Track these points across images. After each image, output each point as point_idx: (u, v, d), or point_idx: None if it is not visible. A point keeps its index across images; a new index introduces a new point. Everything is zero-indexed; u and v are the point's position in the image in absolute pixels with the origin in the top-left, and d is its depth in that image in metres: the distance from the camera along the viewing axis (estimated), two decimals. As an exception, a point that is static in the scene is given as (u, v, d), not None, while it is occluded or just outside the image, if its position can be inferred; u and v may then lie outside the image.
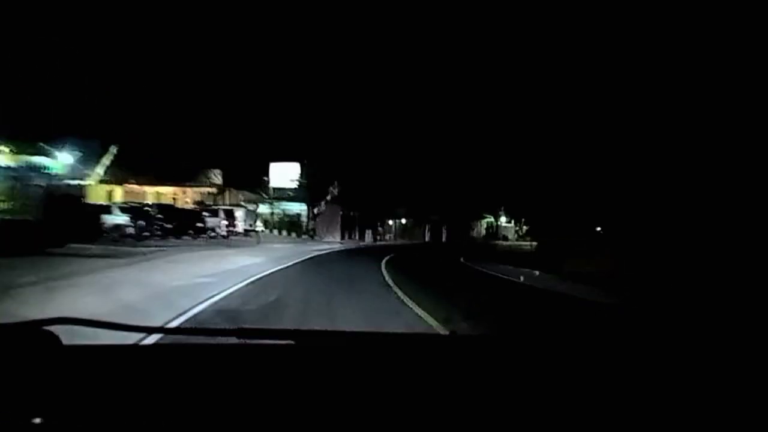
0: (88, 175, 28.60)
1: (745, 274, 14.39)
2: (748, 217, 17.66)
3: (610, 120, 25.25)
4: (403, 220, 62.05)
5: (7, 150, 20.79)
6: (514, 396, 1.16)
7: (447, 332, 6.27)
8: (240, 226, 33.83)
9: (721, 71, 19.74)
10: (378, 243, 49.22)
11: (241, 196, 43.17)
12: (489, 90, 48.88)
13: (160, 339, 4.34)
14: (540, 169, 37.35)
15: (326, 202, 44.80)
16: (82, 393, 1.06)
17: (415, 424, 1.00)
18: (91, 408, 0.99)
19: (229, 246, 24.94)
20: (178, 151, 35.15)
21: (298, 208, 45.28)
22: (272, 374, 1.26)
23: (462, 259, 27.17)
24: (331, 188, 44.49)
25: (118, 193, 33.96)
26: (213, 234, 29.79)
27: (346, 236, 47.85)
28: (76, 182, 24.06)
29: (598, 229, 31.30)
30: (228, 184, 42.05)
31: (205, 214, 30.50)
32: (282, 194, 44.74)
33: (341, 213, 47.09)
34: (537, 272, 18.88)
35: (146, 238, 23.65)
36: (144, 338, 4.42)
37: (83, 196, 22.78)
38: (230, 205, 38.62)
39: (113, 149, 28.99)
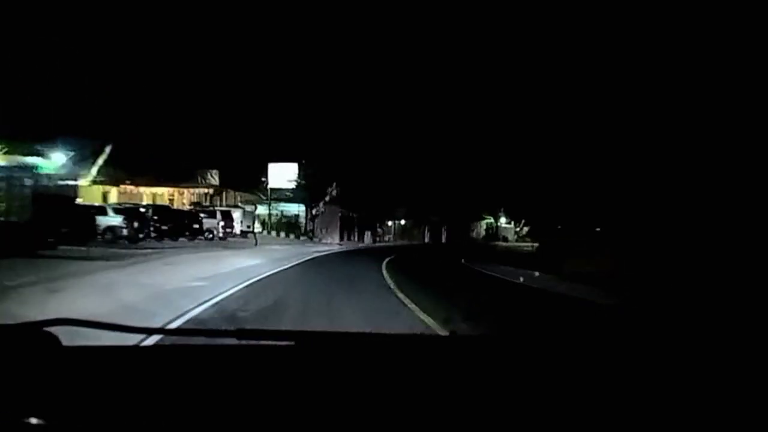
0: (83, 176, 28.13)
1: (745, 274, 14.35)
2: (747, 217, 17.56)
3: (610, 120, 25.09)
4: (403, 221, 61.77)
5: (-2, 149, 20.36)
6: (514, 396, 1.16)
7: (447, 333, 6.25)
8: (237, 227, 33.41)
9: (721, 71, 19.65)
10: (377, 244, 48.88)
11: (238, 197, 42.76)
12: (489, 90, 48.68)
13: (160, 340, 4.37)
14: (540, 169, 37.31)
15: (325, 203, 44.32)
16: (82, 394, 1.05)
17: (416, 425, 0.99)
18: (91, 409, 0.99)
19: (226, 248, 24.55)
20: (174, 152, 34.69)
21: (297, 209, 44.85)
22: (272, 375, 1.25)
23: (463, 260, 27.01)
24: (329, 189, 44.01)
25: (114, 194, 33.45)
26: (210, 236, 29.42)
27: (345, 237, 47.49)
28: (68, 182, 23.57)
29: (598, 229, 31.03)
30: (225, 184, 41.53)
31: (201, 215, 30.04)
32: (280, 195, 44.29)
33: (340, 214, 46.66)
34: (537, 273, 18.90)
35: (141, 239, 23.26)
36: (144, 339, 4.45)
37: (76, 197, 22.33)
38: (227, 206, 38.26)
39: (107, 149, 28.53)
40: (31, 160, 21.52)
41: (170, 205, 33.70)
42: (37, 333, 1.19)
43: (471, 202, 63.23)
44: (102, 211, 23.04)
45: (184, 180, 39.02)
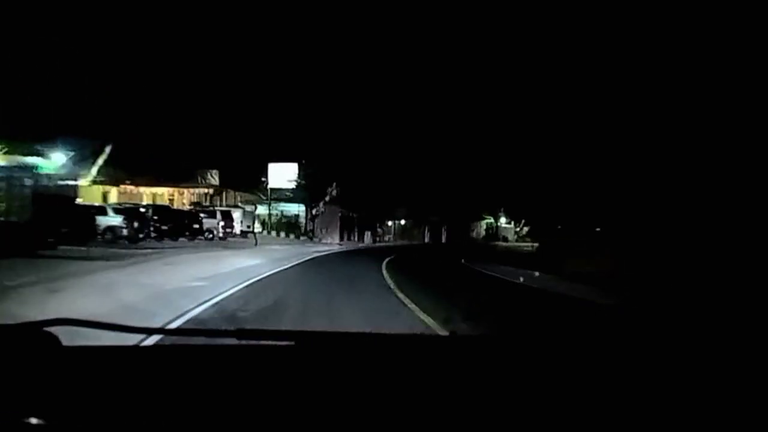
0: (83, 176, 28.11)
1: (744, 274, 14.37)
2: (747, 217, 17.57)
3: (610, 120, 25.08)
4: (403, 221, 61.70)
5: (-2, 149, 20.34)
6: (514, 396, 1.16)
7: (446, 333, 6.34)
8: (237, 227, 33.36)
9: (720, 71, 19.65)
10: (377, 244, 48.82)
11: (238, 197, 42.71)
12: (489, 90, 48.63)
13: (160, 340, 4.36)
14: (540, 169, 37.24)
15: (325, 203, 44.28)
16: (82, 394, 1.05)
17: (416, 425, 0.99)
18: (92, 409, 0.98)
19: (226, 248, 24.52)
20: (174, 152, 34.64)
21: (297, 209, 44.77)
22: (272, 375, 1.25)
23: (463, 260, 26.94)
24: (329, 189, 43.96)
25: (114, 194, 33.42)
26: (210, 236, 29.38)
27: (345, 237, 47.44)
28: (68, 182, 23.55)
29: (598, 229, 31.06)
30: (225, 184, 41.50)
31: (201, 215, 29.99)
32: (280, 195, 44.22)
33: (340, 214, 46.62)
34: (537, 273, 18.91)
35: (141, 239, 23.21)
36: (144, 339, 4.45)
37: (76, 197, 22.30)
38: (227, 206, 38.20)
39: (107, 149, 28.51)
40: (31, 160, 21.50)
41: (170, 205, 33.65)
42: (37, 333, 1.19)
43: (471, 202, 63.09)
44: (102, 211, 23.01)
45: (184, 180, 39.01)
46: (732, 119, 19.19)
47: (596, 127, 26.24)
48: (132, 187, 35.74)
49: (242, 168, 39.57)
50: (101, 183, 31.39)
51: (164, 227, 25.49)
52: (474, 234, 73.78)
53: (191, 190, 40.37)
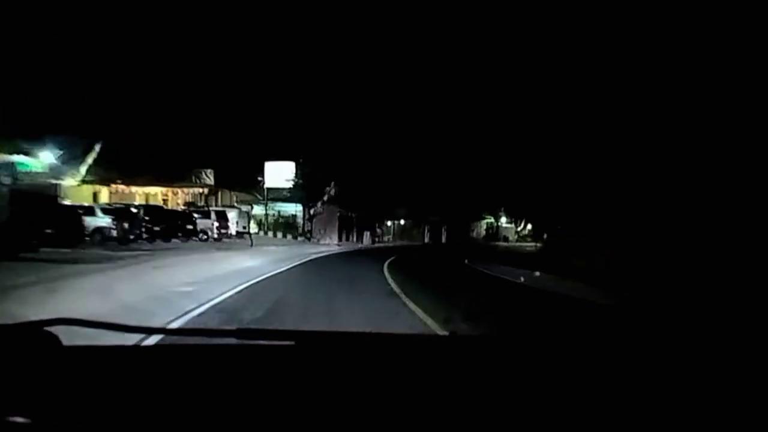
0: (72, 175, 27.23)
1: (744, 274, 14.46)
2: (747, 217, 17.48)
3: (610, 119, 24.89)
4: (402, 221, 61.00)
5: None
6: (514, 396, 1.16)
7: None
8: (233, 228, 32.52)
9: (720, 71, 19.50)
10: (376, 245, 48.03)
11: (234, 197, 41.82)
12: (488, 90, 48.01)
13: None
14: (541, 168, 37.04)
15: (323, 203, 43.28)
16: (82, 394, 1.06)
17: (416, 425, 1.00)
18: (92, 409, 0.99)
19: (219, 249, 23.64)
20: (168, 151, 33.67)
21: (294, 208, 43.89)
22: (272, 375, 1.25)
23: (466, 261, 26.56)
24: (327, 188, 42.92)
25: (104, 194, 32.47)
26: (204, 237, 28.58)
27: (344, 238, 46.60)
28: (50, 181, 22.67)
29: (598, 229, 30.77)
30: (220, 184, 40.45)
31: (195, 215, 29.13)
32: (277, 194, 43.32)
33: (338, 214, 45.70)
34: (537, 273, 18.95)
35: (132, 241, 22.41)
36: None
37: (58, 196, 21.45)
38: (223, 206, 37.40)
39: (97, 147, 27.62)
40: (12, 157, 20.65)
41: (163, 206, 32.76)
42: (37, 333, 1.19)
43: (471, 201, 62.80)
44: (90, 211, 22.14)
45: (178, 179, 37.96)
46: (732, 119, 19.07)
47: (596, 127, 26.09)
48: (124, 187, 34.75)
49: (238, 167, 38.63)
50: (91, 182, 30.47)
51: (156, 228, 24.64)
52: (474, 234, 73.32)
53: (185, 190, 39.35)
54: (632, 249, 21.19)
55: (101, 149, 28.35)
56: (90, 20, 29.22)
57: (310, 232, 42.57)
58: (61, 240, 17.10)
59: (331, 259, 24.07)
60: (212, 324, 7.18)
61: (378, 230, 54.69)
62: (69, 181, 27.40)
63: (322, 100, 42.09)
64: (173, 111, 34.05)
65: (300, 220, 43.94)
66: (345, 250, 34.94)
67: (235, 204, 39.27)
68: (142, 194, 35.76)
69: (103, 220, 21.80)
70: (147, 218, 24.67)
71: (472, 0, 45.11)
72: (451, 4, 45.45)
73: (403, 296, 11.06)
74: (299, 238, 40.98)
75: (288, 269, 16.90)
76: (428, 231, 64.28)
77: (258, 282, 12.43)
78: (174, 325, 6.91)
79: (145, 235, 23.94)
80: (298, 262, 19.94)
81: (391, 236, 58.19)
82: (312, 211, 43.18)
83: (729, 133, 18.83)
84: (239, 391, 1.12)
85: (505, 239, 72.67)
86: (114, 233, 21.64)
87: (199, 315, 7.86)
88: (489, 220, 76.83)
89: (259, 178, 42.47)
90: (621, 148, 23.85)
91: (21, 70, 24.12)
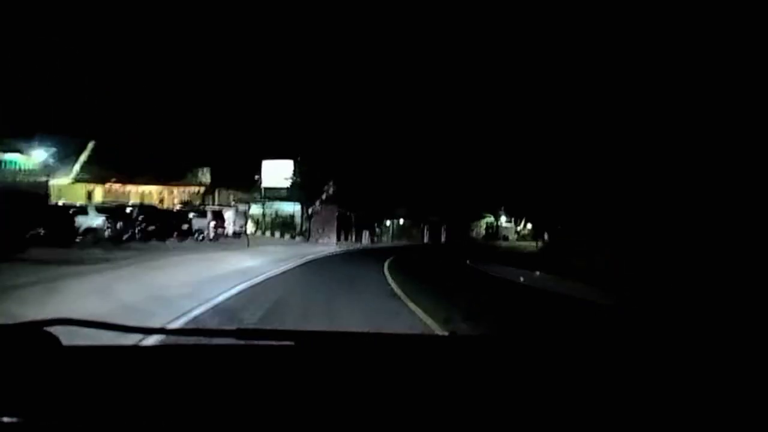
0: (65, 173, 26.68)
1: (744, 274, 14.66)
2: (747, 217, 17.70)
3: (610, 119, 25.04)
4: (401, 221, 60.51)
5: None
6: (513, 396, 1.16)
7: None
8: (230, 227, 31.93)
9: (720, 71, 19.65)
10: (375, 245, 47.49)
11: (231, 196, 41.22)
12: (488, 89, 47.65)
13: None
14: (541, 168, 36.94)
15: (321, 202, 42.67)
16: (82, 394, 1.06)
17: (416, 425, 1.00)
18: (92, 409, 0.99)
19: (216, 249, 23.05)
20: (164, 149, 33.18)
21: (292, 208, 43.31)
22: (272, 375, 1.25)
23: (468, 262, 26.32)
24: (326, 187, 42.29)
25: (99, 193, 31.92)
26: (200, 237, 27.99)
27: (342, 237, 46.05)
28: (39, 180, 22.11)
29: (599, 229, 30.65)
30: (217, 183, 39.83)
31: (191, 215, 28.53)
32: (275, 194, 42.71)
33: (337, 213, 45.10)
34: (537, 273, 18.96)
35: (125, 241, 21.83)
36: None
37: (48, 195, 20.91)
38: (220, 205, 36.84)
39: (90, 145, 27.06)
40: (7, 157, 20.12)
41: (158, 205, 32.21)
42: (37, 333, 1.19)
43: (470, 201, 62.44)
44: (82, 210, 21.61)
45: (175, 178, 37.38)
46: (731, 119, 19.23)
47: (597, 127, 26.22)
48: (119, 186, 34.19)
49: (235, 165, 38.06)
50: (85, 181, 29.90)
51: (151, 228, 24.07)
52: (474, 233, 72.94)
53: (182, 189, 38.77)
54: (632, 249, 21.39)
55: (95, 147, 27.87)
56: (85, 18, 28.78)
57: (308, 231, 41.99)
58: (52, 240, 16.56)
59: (332, 260, 23.69)
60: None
61: (377, 230, 54.14)
62: (62, 180, 26.85)
63: (321, 98, 41.64)
64: (170, 109, 33.55)
65: (298, 220, 43.37)
66: (344, 250, 34.45)
67: (233, 203, 38.67)
68: (137, 193, 35.20)
69: (95, 220, 21.26)
70: (141, 218, 24.12)
71: (472, 0, 44.74)
72: (451, 3, 45.13)
73: (403, 296, 11.12)
74: (297, 238, 40.43)
75: (285, 271, 16.38)
76: (427, 231, 63.80)
77: (251, 288, 11.83)
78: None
79: (139, 236, 23.39)
80: (297, 264, 19.43)
81: (390, 236, 57.67)
82: (310, 211, 42.58)
83: (728, 133, 19.00)
84: (239, 391, 1.11)
85: (505, 239, 72.28)
86: (107, 233, 21.10)
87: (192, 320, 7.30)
88: (489, 220, 76.41)
89: (257, 177, 41.87)
90: (621, 148, 23.98)
91: (15, 68, 23.62)
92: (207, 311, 8.35)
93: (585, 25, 29.39)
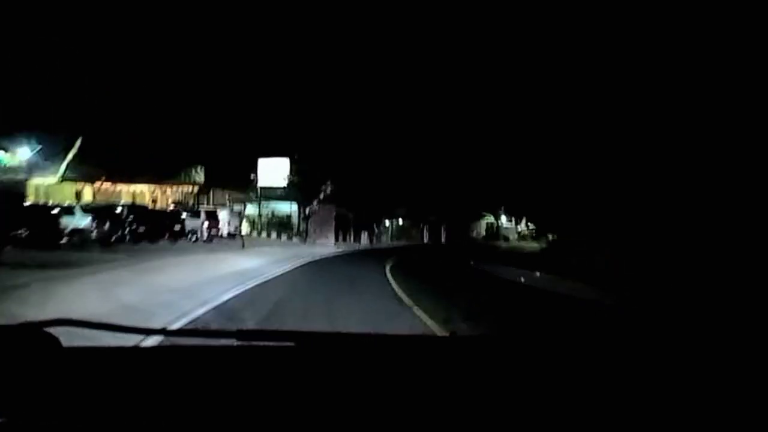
0: (52, 172, 25.64)
1: (744, 274, 14.59)
2: (747, 217, 17.63)
3: (610, 119, 24.87)
4: (401, 221, 59.67)
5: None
6: (513, 396, 1.16)
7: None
8: (224, 228, 30.95)
9: (720, 71, 19.58)
10: (375, 245, 46.53)
11: (226, 196, 40.19)
12: (488, 89, 46.92)
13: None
14: (541, 168, 36.54)
15: (319, 201, 41.65)
16: (82, 395, 1.06)
17: (416, 425, 1.00)
18: (91, 409, 0.99)
19: (210, 251, 22.07)
20: (156, 147, 32.10)
21: (289, 208, 42.30)
22: (272, 376, 1.25)
23: (472, 263, 25.89)
24: (324, 186, 41.26)
25: (88, 193, 30.81)
26: (193, 238, 27.01)
27: (341, 238, 45.07)
28: (16, 179, 21.11)
29: (599, 229, 30.18)
30: (212, 182, 38.78)
31: (184, 215, 27.49)
32: (271, 193, 41.66)
33: (335, 213, 44.09)
34: (537, 273, 18.98)
35: (114, 243, 20.82)
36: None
37: (24, 195, 19.96)
38: (215, 205, 35.80)
39: (77, 143, 26.01)
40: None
41: (150, 205, 31.20)
42: (37, 333, 1.19)
43: (470, 201, 61.80)
44: (68, 211, 20.56)
45: (168, 177, 36.28)
46: (731, 119, 19.16)
47: (597, 127, 26.04)
48: (109, 185, 33.09)
49: (230, 164, 37.03)
50: (73, 180, 28.79)
51: (141, 229, 23.07)
52: (474, 234, 72.17)
53: (175, 188, 37.70)
54: (632, 249, 21.39)
55: (83, 145, 26.79)
56: (76, 15, 27.83)
57: (306, 232, 40.99)
58: (34, 242, 16.00)
59: (332, 261, 23.11)
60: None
61: (376, 230, 53.20)
62: (48, 179, 25.81)
63: (318, 95, 40.64)
64: (163, 106, 32.52)
65: (295, 220, 42.39)
66: (342, 251, 33.56)
67: (228, 202, 37.64)
68: (128, 193, 34.11)
69: (82, 221, 20.25)
70: (131, 218, 23.10)
71: (472, 0, 44.04)
72: (451, 3, 44.42)
73: (404, 297, 11.19)
74: (294, 239, 39.47)
75: (282, 275, 15.55)
76: (427, 231, 63.02)
77: (244, 294, 11.04)
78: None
79: (128, 237, 22.40)
80: (294, 266, 18.62)
81: (389, 236, 56.77)
82: (307, 211, 41.56)
83: (728, 133, 19.00)
84: (239, 392, 1.11)
85: (506, 239, 71.46)
86: (94, 234, 20.18)
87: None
88: (489, 220, 75.64)
89: (252, 176, 40.83)
90: (621, 148, 23.97)
91: (2, 65, 22.62)
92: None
93: (585, 25, 29.13)
